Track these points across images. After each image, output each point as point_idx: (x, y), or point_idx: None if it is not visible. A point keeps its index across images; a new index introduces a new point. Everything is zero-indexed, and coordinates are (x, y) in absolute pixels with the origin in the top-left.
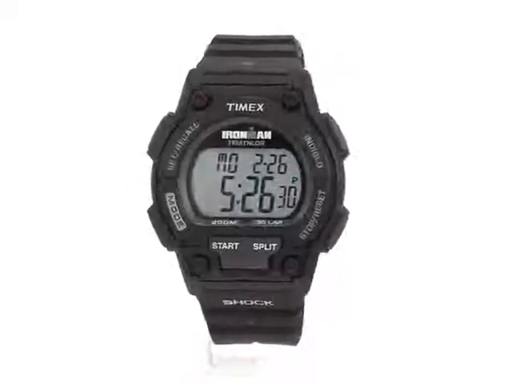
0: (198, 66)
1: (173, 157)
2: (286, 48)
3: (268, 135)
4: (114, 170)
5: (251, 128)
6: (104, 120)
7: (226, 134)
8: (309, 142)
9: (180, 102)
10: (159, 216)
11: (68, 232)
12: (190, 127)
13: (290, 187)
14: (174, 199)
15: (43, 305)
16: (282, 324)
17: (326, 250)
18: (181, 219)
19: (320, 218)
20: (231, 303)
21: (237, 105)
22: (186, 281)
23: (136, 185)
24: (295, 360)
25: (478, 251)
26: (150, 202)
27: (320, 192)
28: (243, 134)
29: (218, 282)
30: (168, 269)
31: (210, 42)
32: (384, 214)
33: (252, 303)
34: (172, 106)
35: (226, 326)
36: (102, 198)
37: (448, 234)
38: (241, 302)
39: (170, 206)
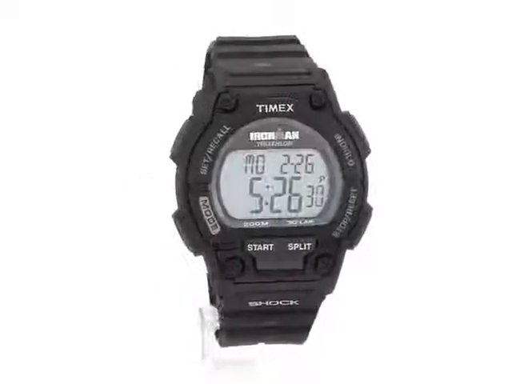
0: (215, 68)
1: (205, 161)
2: (296, 48)
3: (296, 135)
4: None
5: (279, 129)
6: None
7: (254, 136)
8: (339, 141)
9: (204, 105)
10: (190, 220)
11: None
12: (221, 130)
13: (318, 186)
14: (208, 203)
15: (43, 304)
16: (299, 323)
17: (352, 248)
18: (215, 222)
19: (352, 216)
20: (256, 304)
21: (266, 106)
22: (217, 285)
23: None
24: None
25: (489, 249)
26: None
27: (352, 190)
28: (271, 135)
29: (253, 284)
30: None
31: (212, 44)
32: (391, 211)
33: (277, 303)
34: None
35: (241, 327)
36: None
37: (457, 230)
38: (266, 303)
39: (203, 210)
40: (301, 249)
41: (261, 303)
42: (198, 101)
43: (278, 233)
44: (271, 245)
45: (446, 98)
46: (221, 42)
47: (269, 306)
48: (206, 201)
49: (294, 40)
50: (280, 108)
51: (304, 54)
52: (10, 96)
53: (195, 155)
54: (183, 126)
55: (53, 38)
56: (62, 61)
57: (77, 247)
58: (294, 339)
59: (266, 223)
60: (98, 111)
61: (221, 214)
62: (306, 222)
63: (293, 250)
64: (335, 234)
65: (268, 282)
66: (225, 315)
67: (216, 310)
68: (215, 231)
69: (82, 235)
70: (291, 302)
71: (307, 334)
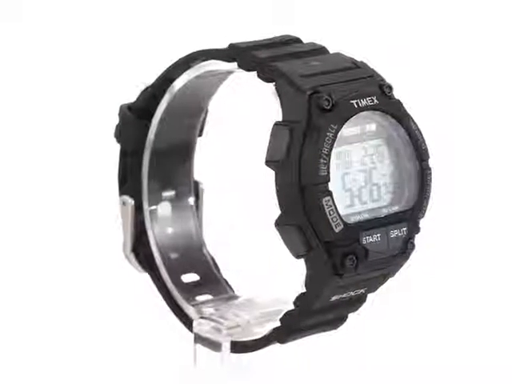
0: (278, 71)
1: (323, 161)
2: (316, 46)
3: (373, 127)
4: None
5: (364, 122)
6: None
7: (346, 132)
8: (413, 127)
9: (292, 107)
10: (305, 222)
11: None
12: (330, 129)
13: (391, 174)
14: (330, 202)
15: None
16: (351, 312)
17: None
18: (338, 220)
19: (429, 197)
20: (336, 298)
21: (359, 101)
22: (321, 283)
23: None
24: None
25: None
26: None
27: (428, 172)
28: (357, 129)
29: (357, 276)
30: None
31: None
32: None
33: (353, 294)
34: None
35: (309, 324)
36: None
37: None
38: (345, 295)
39: (327, 210)
40: (399, 235)
41: (344, 295)
42: (284, 104)
43: (379, 223)
44: (378, 235)
45: (445, 97)
46: (247, 48)
47: (344, 297)
48: (328, 200)
49: (299, 39)
50: (369, 101)
51: (327, 50)
52: (10, 96)
53: (307, 158)
54: (276, 131)
55: (54, 38)
56: (62, 61)
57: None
58: (334, 329)
59: (367, 215)
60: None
61: (340, 212)
62: (394, 208)
63: (393, 237)
64: (420, 216)
65: (371, 272)
66: (303, 314)
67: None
68: (338, 228)
69: None
70: (360, 291)
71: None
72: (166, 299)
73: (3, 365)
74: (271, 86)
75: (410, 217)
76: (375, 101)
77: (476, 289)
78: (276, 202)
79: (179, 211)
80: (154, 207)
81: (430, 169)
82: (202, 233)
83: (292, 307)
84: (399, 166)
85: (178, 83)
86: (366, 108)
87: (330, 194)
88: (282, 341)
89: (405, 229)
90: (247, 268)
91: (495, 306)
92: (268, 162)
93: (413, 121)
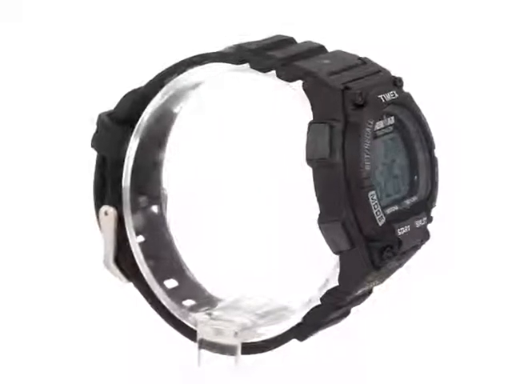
0: (303, 69)
1: (366, 156)
2: (315, 44)
3: (392, 120)
4: None
5: (386, 115)
6: None
7: (375, 126)
8: (423, 118)
9: (324, 105)
10: (350, 216)
11: None
12: (368, 125)
13: (407, 165)
14: (375, 196)
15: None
16: (358, 305)
17: None
18: (381, 214)
19: (438, 186)
20: (361, 291)
21: (384, 96)
22: (362, 277)
23: None
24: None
25: None
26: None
27: (436, 161)
28: (381, 124)
29: (390, 268)
30: None
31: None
32: None
33: (371, 286)
34: None
35: (331, 318)
36: None
37: None
38: (367, 288)
39: (372, 204)
40: (421, 223)
41: (363, 289)
42: (316, 102)
43: (406, 214)
44: (408, 226)
45: (445, 97)
46: (259, 49)
47: (365, 291)
48: (373, 194)
49: (293, 39)
50: (391, 95)
51: (326, 48)
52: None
53: (352, 153)
54: (314, 129)
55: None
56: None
57: None
58: (339, 322)
59: (396, 207)
60: None
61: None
62: (413, 198)
63: (419, 227)
64: (433, 205)
65: (397, 263)
66: (332, 309)
67: None
68: (381, 222)
69: None
70: (376, 283)
71: None
72: (154, 306)
73: None
74: (292, 86)
75: (425, 206)
76: (396, 94)
77: (476, 288)
78: (316, 199)
79: (151, 218)
80: (133, 215)
81: (436, 158)
82: (172, 238)
83: (284, 304)
84: (412, 157)
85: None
86: (391, 102)
87: (374, 188)
88: (303, 338)
89: (425, 218)
90: (219, 269)
91: (495, 305)
92: (310, 161)
93: (421, 112)
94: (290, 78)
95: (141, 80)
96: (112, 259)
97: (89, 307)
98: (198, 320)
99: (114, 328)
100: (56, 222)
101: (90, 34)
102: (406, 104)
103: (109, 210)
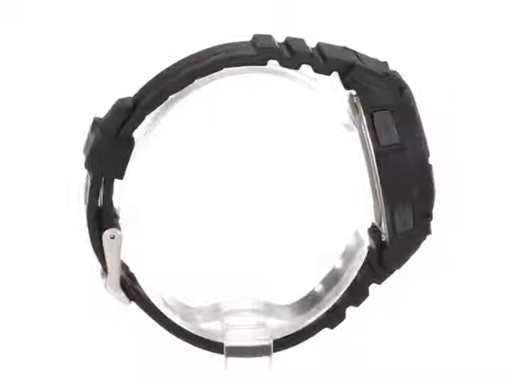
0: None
1: (425, 136)
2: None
3: None
4: None
5: None
6: None
7: None
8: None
9: (379, 93)
10: (421, 199)
11: None
12: (416, 107)
13: None
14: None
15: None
16: None
17: None
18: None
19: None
20: None
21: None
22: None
23: None
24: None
25: None
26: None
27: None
28: None
29: None
30: None
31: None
32: None
33: None
34: None
35: None
36: None
37: None
38: None
39: (434, 182)
40: None
41: None
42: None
43: None
44: None
45: (444, 96)
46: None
47: None
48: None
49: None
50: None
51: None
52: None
53: (419, 135)
54: (379, 118)
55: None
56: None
57: None
58: None
59: None
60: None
61: None
62: None
63: None
64: None
65: None
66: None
67: None
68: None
69: None
70: None
71: None
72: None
73: None
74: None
75: None
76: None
77: (476, 289)
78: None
79: None
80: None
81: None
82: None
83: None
84: None
85: None
86: None
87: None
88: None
89: None
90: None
91: (495, 305)
92: (385, 148)
93: None
94: (327, 71)
95: (139, 80)
96: (118, 283)
97: (89, 307)
98: (226, 326)
99: (114, 330)
100: (56, 221)
101: (90, 33)
102: None
103: (116, 233)
